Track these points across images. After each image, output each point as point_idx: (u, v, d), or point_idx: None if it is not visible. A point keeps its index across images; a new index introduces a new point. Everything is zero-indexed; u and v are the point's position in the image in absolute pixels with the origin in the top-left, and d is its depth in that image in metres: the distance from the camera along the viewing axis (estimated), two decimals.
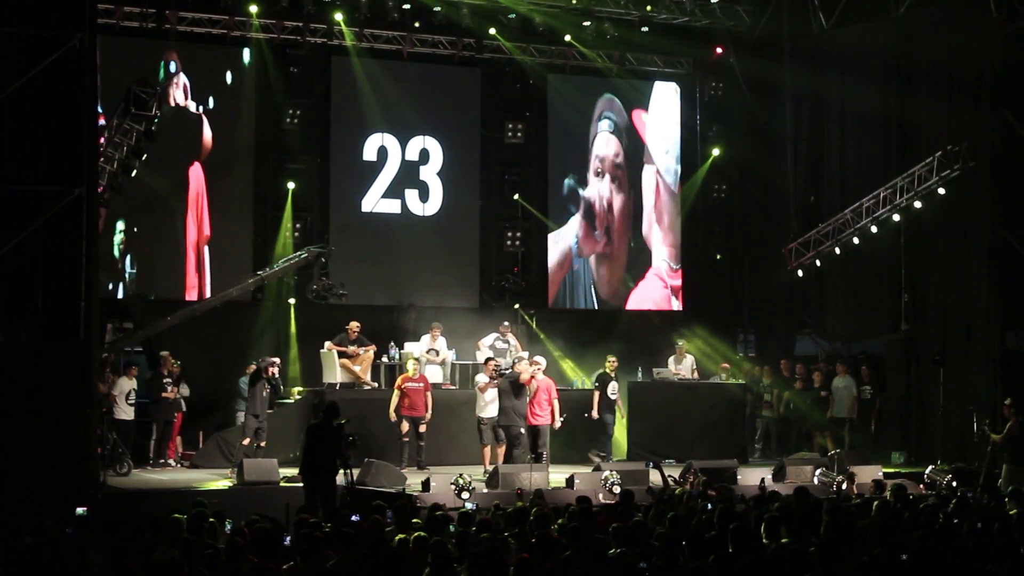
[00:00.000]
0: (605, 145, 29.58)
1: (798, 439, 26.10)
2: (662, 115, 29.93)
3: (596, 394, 24.22)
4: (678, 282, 29.78)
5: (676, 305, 29.61)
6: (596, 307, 29.22)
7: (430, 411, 22.58)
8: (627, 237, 29.60)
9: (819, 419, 25.61)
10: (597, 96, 29.49)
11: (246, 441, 21.25)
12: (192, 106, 25.86)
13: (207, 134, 25.99)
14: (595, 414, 24.11)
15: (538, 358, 22.52)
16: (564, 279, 29.09)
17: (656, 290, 29.66)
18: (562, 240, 29.10)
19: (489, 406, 22.29)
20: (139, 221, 25.20)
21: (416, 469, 21.64)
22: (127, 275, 25.26)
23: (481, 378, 22.59)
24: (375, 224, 27.55)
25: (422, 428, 22.57)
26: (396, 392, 22.57)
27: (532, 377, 21.80)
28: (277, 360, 21.90)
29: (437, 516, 12.73)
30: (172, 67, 25.75)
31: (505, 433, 21.68)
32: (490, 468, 20.85)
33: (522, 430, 21.64)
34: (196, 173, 25.94)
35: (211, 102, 26.05)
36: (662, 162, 29.82)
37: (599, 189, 29.45)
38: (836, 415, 25.49)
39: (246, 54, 26.22)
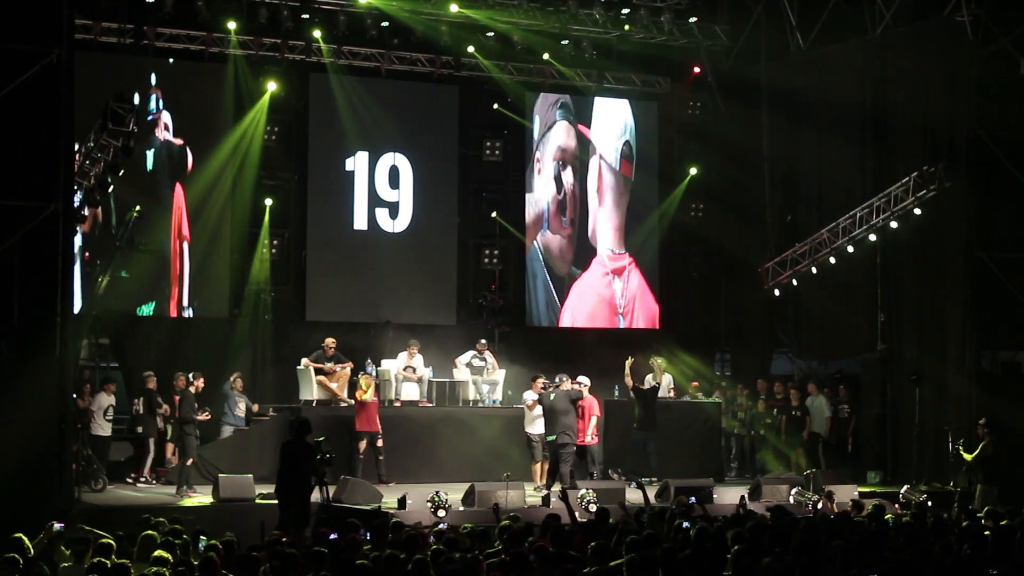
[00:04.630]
0: (566, 135, 29.57)
1: (773, 458, 26.13)
2: (608, 121, 29.89)
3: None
4: (621, 263, 29.67)
5: (620, 301, 29.56)
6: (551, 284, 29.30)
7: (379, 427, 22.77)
8: (577, 227, 29.62)
9: (793, 438, 25.63)
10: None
11: (189, 462, 21.40)
12: (171, 135, 25.87)
13: (190, 160, 25.96)
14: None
15: (582, 378, 22.53)
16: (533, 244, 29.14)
17: (596, 278, 29.53)
18: (537, 205, 29.20)
19: (537, 421, 22.40)
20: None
21: (383, 485, 21.58)
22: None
23: (529, 395, 22.72)
24: (353, 241, 27.53)
25: (380, 443, 22.66)
26: (357, 407, 22.77)
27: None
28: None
29: (411, 534, 12.72)
30: (161, 103, 25.76)
31: (560, 450, 21.45)
32: (541, 484, 21.24)
33: (574, 448, 21.65)
34: (178, 192, 25.91)
35: (189, 119, 26.07)
36: (605, 149, 29.80)
37: (566, 177, 29.50)
38: (810, 434, 25.55)
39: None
